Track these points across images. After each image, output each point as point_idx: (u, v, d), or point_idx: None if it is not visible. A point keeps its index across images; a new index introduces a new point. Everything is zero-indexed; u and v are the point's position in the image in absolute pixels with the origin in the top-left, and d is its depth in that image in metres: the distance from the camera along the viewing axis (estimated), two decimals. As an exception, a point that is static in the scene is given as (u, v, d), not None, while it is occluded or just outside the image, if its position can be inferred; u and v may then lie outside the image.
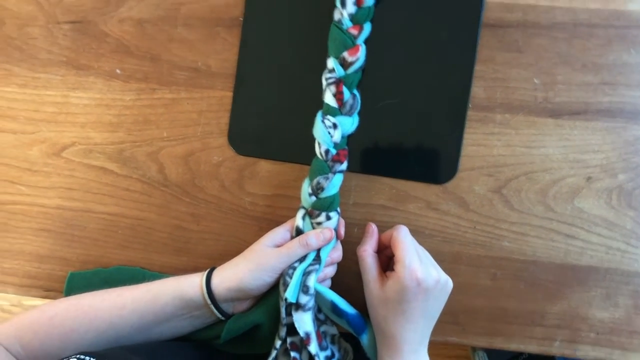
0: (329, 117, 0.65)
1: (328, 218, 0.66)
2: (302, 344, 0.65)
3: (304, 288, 0.63)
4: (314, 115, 0.66)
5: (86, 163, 0.75)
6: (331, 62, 0.66)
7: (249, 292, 0.64)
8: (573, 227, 0.69)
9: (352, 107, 0.66)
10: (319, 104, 0.67)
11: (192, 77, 0.73)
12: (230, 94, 0.73)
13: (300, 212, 0.67)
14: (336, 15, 0.66)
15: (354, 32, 0.66)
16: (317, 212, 0.66)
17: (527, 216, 0.70)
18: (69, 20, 0.74)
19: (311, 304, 0.63)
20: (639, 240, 0.69)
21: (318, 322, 0.67)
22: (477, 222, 0.70)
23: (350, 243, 0.70)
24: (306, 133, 0.67)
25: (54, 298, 0.75)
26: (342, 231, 0.68)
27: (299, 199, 0.67)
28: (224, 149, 0.73)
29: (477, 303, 0.71)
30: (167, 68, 0.73)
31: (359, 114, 0.68)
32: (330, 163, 0.65)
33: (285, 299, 0.62)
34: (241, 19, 0.72)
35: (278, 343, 0.65)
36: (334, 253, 0.67)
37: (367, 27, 0.67)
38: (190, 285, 0.64)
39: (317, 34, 0.69)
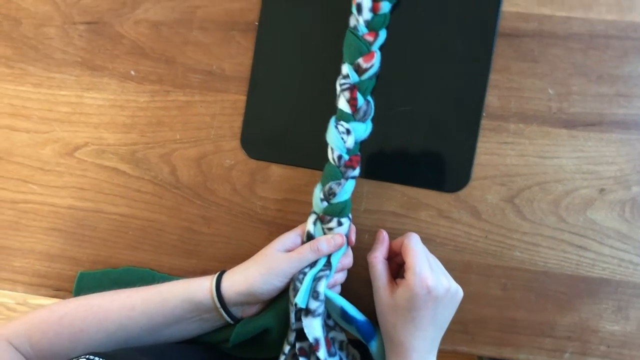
0: (342, 122, 0.65)
1: (339, 224, 0.65)
2: (310, 350, 0.65)
3: (314, 293, 0.63)
4: (327, 121, 0.66)
5: (98, 163, 0.75)
6: (346, 68, 0.66)
7: (258, 296, 0.64)
8: (585, 238, 0.69)
9: (365, 113, 0.66)
10: (333, 109, 0.67)
11: (207, 80, 0.73)
12: (243, 98, 0.73)
13: (312, 217, 0.67)
14: (352, 22, 0.66)
15: (370, 38, 0.66)
16: (328, 218, 0.65)
17: (539, 226, 0.69)
18: (85, 21, 0.75)
19: (321, 309, 0.63)
20: (652, 253, 0.68)
21: (327, 328, 0.67)
22: (489, 232, 0.70)
23: (360, 249, 0.69)
24: (319, 138, 0.67)
25: (63, 297, 0.75)
26: (353, 237, 0.68)
27: (310, 204, 0.67)
28: (236, 152, 0.73)
29: (487, 313, 0.70)
30: (181, 71, 0.73)
31: (373, 120, 0.68)
32: (342, 169, 0.65)
33: (295, 304, 0.62)
34: (256, 23, 0.72)
35: (287, 348, 0.65)
36: (345, 259, 0.67)
37: (383, 34, 0.67)
38: (200, 288, 0.64)
39: (332, 40, 0.69)
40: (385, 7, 0.65)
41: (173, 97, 0.74)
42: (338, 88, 0.67)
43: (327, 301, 0.65)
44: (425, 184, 0.71)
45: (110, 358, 0.53)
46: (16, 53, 0.75)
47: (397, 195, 0.71)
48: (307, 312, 0.63)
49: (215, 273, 0.65)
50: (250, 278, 0.63)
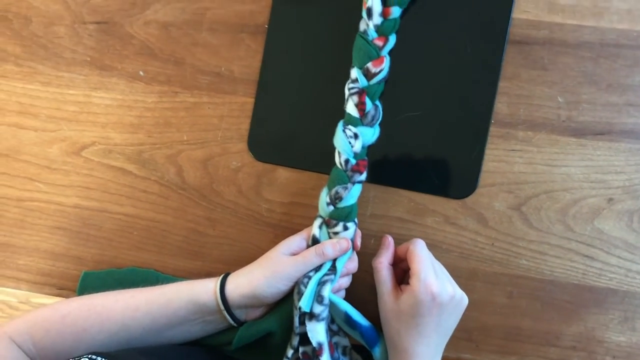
0: (350, 127, 0.65)
1: (345, 228, 0.65)
2: (314, 354, 0.64)
3: (318, 298, 0.62)
4: (335, 125, 0.66)
5: (105, 163, 0.75)
6: (355, 72, 0.66)
7: (263, 299, 0.64)
8: (592, 248, 0.68)
9: (373, 118, 0.66)
10: (341, 113, 0.66)
11: (215, 82, 0.73)
12: (251, 100, 0.73)
13: (318, 221, 0.66)
14: (362, 26, 0.66)
15: (379, 43, 0.65)
16: (334, 222, 0.65)
17: (546, 235, 0.69)
18: (95, 21, 0.75)
19: (325, 314, 0.63)
20: (659, 264, 0.68)
21: (331, 332, 0.67)
22: (495, 239, 0.70)
23: (366, 254, 0.69)
24: (326, 142, 0.67)
25: (67, 297, 0.75)
26: (358, 242, 0.67)
27: (316, 207, 0.67)
28: (243, 154, 0.73)
29: (492, 321, 0.70)
30: (190, 72, 0.73)
31: (381, 125, 0.68)
32: (349, 173, 0.65)
33: (299, 308, 0.62)
34: (266, 26, 0.72)
35: (290, 352, 0.65)
36: (350, 264, 0.66)
37: (392, 39, 0.67)
38: (204, 290, 0.64)
39: (341, 44, 0.69)
40: (395, 12, 0.65)
41: (181, 98, 0.74)
42: (346, 92, 0.67)
43: (332, 306, 0.64)
44: (432, 190, 0.70)
45: (112, 358, 0.53)
46: (26, 51, 0.76)
47: (403, 201, 0.71)
48: (311, 316, 0.62)
49: (219, 275, 0.65)
50: (254, 281, 0.63)
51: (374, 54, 0.65)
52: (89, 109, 0.75)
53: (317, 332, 0.62)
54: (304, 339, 0.64)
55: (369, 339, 0.65)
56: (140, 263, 0.75)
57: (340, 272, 0.65)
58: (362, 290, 0.70)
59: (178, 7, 0.73)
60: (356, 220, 0.67)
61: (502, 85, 0.69)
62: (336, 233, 0.65)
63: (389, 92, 0.68)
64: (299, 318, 0.63)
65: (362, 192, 0.67)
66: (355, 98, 0.65)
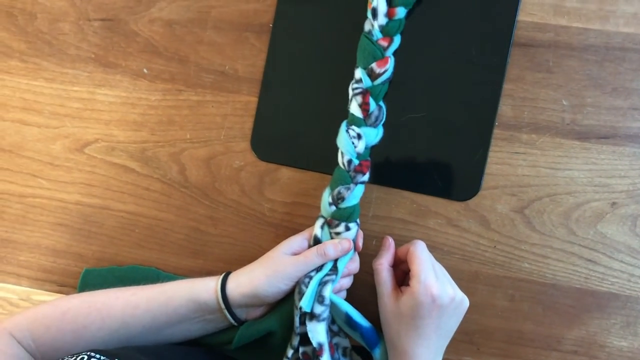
0: (353, 127, 0.65)
1: (347, 229, 0.65)
2: (314, 355, 0.64)
3: (319, 298, 0.62)
4: (339, 125, 0.66)
5: (108, 160, 0.75)
6: (359, 73, 0.66)
7: (263, 298, 0.63)
8: (595, 252, 0.68)
9: (377, 118, 0.66)
10: (344, 113, 0.66)
11: (219, 81, 0.73)
12: (255, 100, 0.72)
13: (319, 221, 0.66)
14: (367, 26, 0.66)
15: (384, 43, 0.65)
16: (336, 222, 0.65)
17: (549, 238, 0.69)
18: (100, 18, 0.75)
19: (326, 314, 0.62)
20: (662, 269, 0.68)
21: (331, 333, 0.66)
22: (498, 242, 0.69)
23: (367, 255, 0.69)
24: (329, 142, 0.66)
25: (68, 294, 0.75)
26: (360, 243, 0.67)
27: (318, 208, 0.67)
28: (246, 153, 0.73)
29: (493, 324, 0.70)
30: (194, 70, 0.73)
31: (384, 125, 0.68)
32: (352, 173, 0.65)
33: (300, 308, 0.61)
34: (271, 25, 0.72)
35: (290, 352, 0.64)
36: (351, 264, 0.66)
37: (397, 40, 0.67)
38: (205, 288, 0.64)
39: (345, 44, 0.69)
40: (400, 12, 0.65)
41: (185, 96, 0.74)
42: (350, 92, 0.66)
43: (332, 306, 0.64)
44: (434, 192, 0.70)
45: (111, 356, 0.52)
46: (30, 47, 0.76)
47: (406, 202, 0.71)
48: (312, 316, 0.62)
49: (220, 274, 0.65)
50: (255, 280, 0.63)
51: (379, 55, 0.65)
52: (92, 106, 0.75)
53: (318, 333, 0.62)
54: (305, 339, 0.64)
55: (370, 340, 0.65)
56: (142, 261, 0.75)
57: (342, 273, 0.65)
58: (363, 291, 0.69)
59: (183, 5, 0.73)
60: (358, 221, 0.66)
61: (507, 87, 0.69)
62: (338, 233, 0.65)
63: (393, 93, 0.68)
64: (300, 318, 0.63)
65: (364, 193, 0.67)
66: (359, 98, 0.65)
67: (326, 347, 0.62)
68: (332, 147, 0.66)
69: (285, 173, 0.72)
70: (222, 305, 0.63)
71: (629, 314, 0.68)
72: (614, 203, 0.68)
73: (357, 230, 0.66)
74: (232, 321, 0.64)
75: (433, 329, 0.61)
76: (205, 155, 0.73)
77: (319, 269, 0.64)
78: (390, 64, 0.66)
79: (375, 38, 0.65)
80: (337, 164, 0.66)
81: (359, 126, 0.65)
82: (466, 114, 0.69)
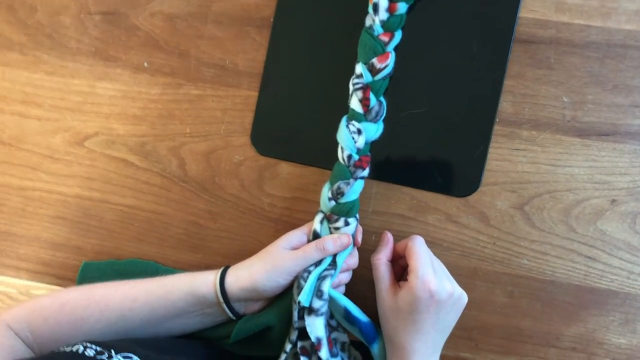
0: (353, 122, 0.65)
1: (346, 224, 0.65)
2: (312, 349, 0.64)
3: (318, 292, 0.62)
4: (339, 120, 0.66)
5: (108, 154, 0.75)
6: (359, 68, 0.66)
7: (262, 293, 0.63)
8: (594, 249, 0.68)
9: (377, 113, 0.66)
10: (345, 108, 0.66)
11: (219, 75, 0.73)
12: (255, 94, 0.72)
13: (319, 216, 0.66)
14: (368, 21, 0.66)
15: (385, 39, 0.65)
16: (335, 217, 0.65)
17: (549, 235, 0.68)
18: (101, 11, 0.75)
19: (324, 309, 0.62)
20: (661, 267, 0.68)
21: (330, 328, 0.66)
22: (497, 238, 0.69)
23: (366, 251, 0.69)
24: (330, 137, 0.66)
25: (66, 287, 0.75)
26: (359, 238, 0.67)
27: (318, 203, 0.67)
28: (245, 148, 0.73)
29: (492, 320, 0.70)
30: (194, 64, 0.73)
31: (384, 121, 0.68)
32: (352, 168, 0.65)
33: (299, 303, 0.61)
34: (272, 19, 0.72)
35: (288, 347, 0.64)
36: (350, 259, 0.66)
37: (398, 35, 0.67)
38: (204, 282, 0.63)
39: (346, 39, 0.69)
40: (401, 7, 0.65)
41: (185, 90, 0.73)
42: (351, 87, 0.66)
43: (331, 301, 0.64)
44: (434, 188, 0.70)
45: (107, 346, 0.52)
46: (31, 40, 0.76)
47: (405, 198, 0.71)
48: (310, 310, 0.62)
49: (219, 268, 0.65)
50: (254, 274, 0.63)
51: (380, 50, 0.65)
52: (92, 99, 0.75)
53: (316, 327, 0.62)
54: (303, 334, 0.64)
55: (368, 335, 0.65)
56: (141, 255, 0.75)
57: (341, 268, 0.65)
58: (362, 286, 0.69)
59: (184, -1, 0.73)
60: (357, 216, 0.66)
61: (508, 83, 0.69)
62: (337, 228, 0.65)
63: (393, 89, 0.68)
64: (298, 312, 0.63)
65: (364, 189, 0.67)
66: (360, 93, 0.65)
67: (324, 342, 0.62)
68: (332, 142, 0.66)
69: (285, 168, 0.72)
70: (221, 299, 0.63)
71: (627, 311, 0.68)
72: (613, 200, 0.68)
73: (357, 226, 0.66)
74: (231, 315, 0.64)
75: (431, 324, 0.60)
76: (205, 149, 0.73)
77: (317, 263, 0.64)
78: (391, 60, 0.66)
79: (376, 33, 0.65)
80: (337, 159, 0.66)
81: (359, 121, 0.65)
82: (466, 110, 0.69)
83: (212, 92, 0.73)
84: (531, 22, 0.68)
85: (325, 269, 0.64)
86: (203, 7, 0.73)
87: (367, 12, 0.66)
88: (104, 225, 0.75)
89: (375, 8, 0.65)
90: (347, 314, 0.64)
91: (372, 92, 0.65)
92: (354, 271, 0.68)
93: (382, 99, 0.67)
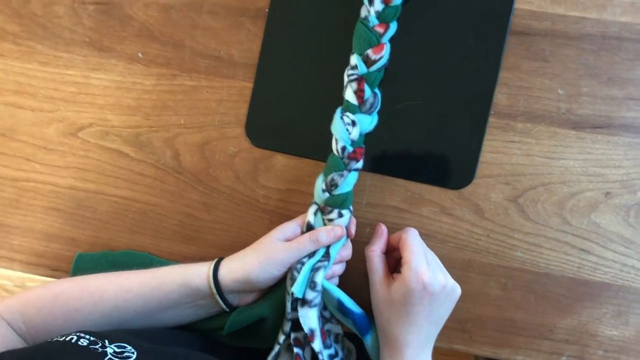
0: (348, 114, 0.65)
1: (340, 215, 0.65)
2: (305, 341, 0.64)
3: (311, 284, 0.62)
4: (334, 112, 0.65)
5: (102, 145, 0.74)
6: (354, 59, 0.65)
7: (255, 284, 0.63)
8: (588, 241, 0.68)
9: (372, 105, 0.66)
10: (339, 100, 0.66)
11: (214, 66, 0.73)
12: (250, 85, 0.72)
13: (312, 208, 0.66)
14: (363, 12, 0.66)
15: (380, 30, 0.65)
16: (329, 209, 0.65)
17: (542, 227, 0.69)
18: (95, 1, 0.74)
19: (317, 300, 0.62)
20: (655, 259, 0.68)
21: (323, 319, 0.66)
22: (491, 231, 0.69)
23: (360, 243, 0.69)
24: (324, 129, 0.66)
25: (60, 278, 0.75)
26: (352, 230, 0.67)
27: (312, 195, 0.67)
28: (240, 139, 0.73)
29: (486, 312, 0.70)
30: (189, 55, 0.73)
31: (379, 113, 0.67)
32: (346, 160, 0.65)
33: (292, 294, 0.61)
34: (267, 10, 0.72)
35: (282, 338, 0.64)
36: (344, 251, 0.66)
37: (393, 26, 0.66)
38: (197, 274, 0.63)
39: (341, 30, 0.68)
40: (397, -2, 0.65)
41: (179, 81, 0.73)
42: (345, 79, 0.66)
43: (325, 292, 0.64)
44: (428, 180, 0.70)
45: (100, 336, 0.52)
46: (24, 30, 0.75)
47: (400, 190, 0.71)
48: (304, 302, 0.62)
49: (213, 260, 0.65)
50: (248, 266, 0.63)
51: (374, 41, 0.65)
52: (87, 90, 0.75)
53: (309, 318, 0.62)
54: (296, 325, 0.64)
55: (361, 327, 0.65)
56: (135, 246, 0.75)
57: (334, 259, 0.65)
58: (355, 278, 0.69)
59: (179, -11, 0.73)
60: (351, 207, 0.66)
61: (503, 75, 0.68)
62: (331, 220, 0.65)
63: (388, 80, 0.68)
64: (291, 304, 0.63)
65: (358, 181, 0.67)
66: (354, 85, 0.65)
67: (318, 333, 0.62)
68: (327, 134, 0.66)
69: (280, 160, 0.72)
70: (214, 291, 0.63)
71: (620, 304, 0.68)
72: (607, 193, 0.68)
73: (350, 217, 0.66)
74: (224, 307, 0.64)
75: (424, 316, 0.61)
76: (199, 140, 0.73)
77: (311, 255, 0.64)
78: (386, 51, 0.65)
79: (371, 24, 0.65)
80: (332, 150, 0.66)
81: (353, 113, 0.65)
82: (461, 102, 0.69)
83: (207, 83, 0.73)
84: (527, 13, 0.68)
85: (319, 261, 0.64)
86: (198, -3, 0.73)
87: (362, 3, 0.65)
88: (98, 216, 0.75)
89: (371, -1, 0.64)
90: (341, 306, 0.64)
91: (367, 83, 0.65)
92: (348, 263, 0.68)
93: (377, 90, 0.67)
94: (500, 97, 0.69)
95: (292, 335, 0.64)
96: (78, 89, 0.75)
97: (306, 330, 0.61)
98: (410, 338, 0.61)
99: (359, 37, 0.65)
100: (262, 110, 0.72)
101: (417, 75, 0.69)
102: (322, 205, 0.66)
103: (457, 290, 0.63)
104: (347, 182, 0.65)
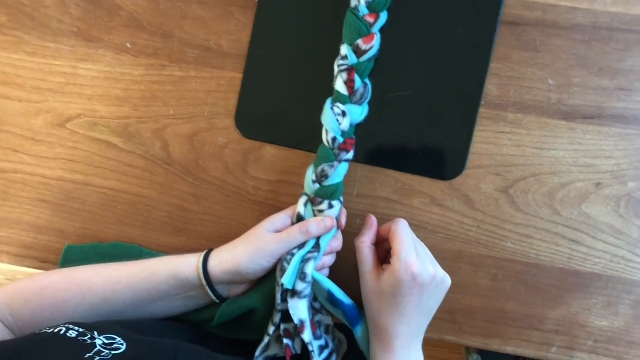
0: (338, 104, 0.64)
1: (330, 206, 0.65)
2: (295, 332, 0.64)
3: (301, 275, 0.62)
4: (324, 102, 0.65)
5: (90, 136, 0.74)
6: (345, 49, 0.65)
7: (245, 275, 0.63)
8: (578, 232, 0.68)
9: (362, 96, 0.65)
10: (330, 91, 0.66)
11: (203, 56, 0.72)
12: (240, 76, 0.72)
13: (303, 199, 0.66)
14: (353, 2, 0.65)
15: (370, 20, 0.65)
16: (319, 200, 0.65)
17: (533, 218, 0.68)
18: (83, -9, 0.73)
19: (307, 291, 0.62)
20: (645, 250, 0.68)
21: (313, 310, 0.66)
22: (482, 221, 0.69)
23: (351, 234, 0.69)
24: (315, 120, 0.66)
25: (49, 270, 0.74)
26: (343, 221, 0.67)
27: (303, 186, 0.66)
28: (230, 130, 0.72)
29: (476, 303, 0.70)
30: (178, 45, 0.72)
31: (369, 103, 0.67)
32: (336, 151, 0.64)
33: (282, 285, 0.61)
34: (256, 0, 0.71)
35: (271, 329, 0.64)
36: (334, 242, 0.66)
37: (384, 16, 0.66)
38: (187, 265, 0.63)
39: (332, 20, 0.68)
40: (387, -12, 0.64)
41: (168, 71, 0.72)
42: (336, 69, 0.66)
43: (315, 283, 0.64)
44: (419, 171, 0.70)
45: (90, 328, 0.52)
46: (11, 20, 0.74)
47: (390, 181, 0.70)
48: (294, 293, 0.62)
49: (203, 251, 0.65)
50: (238, 257, 0.63)
51: (365, 31, 0.64)
52: (75, 80, 0.74)
53: (299, 310, 0.61)
54: (286, 316, 0.63)
55: (351, 318, 0.65)
56: (124, 238, 0.74)
57: (324, 251, 0.64)
58: (346, 269, 0.69)
59: (167, -21, 0.72)
60: (342, 199, 0.66)
61: (493, 66, 0.68)
62: (321, 211, 0.65)
63: (378, 71, 0.68)
64: (281, 295, 0.63)
65: (349, 172, 0.67)
66: (345, 75, 0.65)
67: (307, 324, 0.62)
68: (317, 125, 0.65)
69: (270, 151, 0.72)
70: (204, 282, 0.62)
71: (610, 294, 0.68)
72: (598, 184, 0.68)
73: (341, 208, 0.66)
74: (214, 298, 0.64)
75: (414, 307, 0.60)
76: (188, 131, 0.72)
77: (301, 246, 0.64)
78: (376, 41, 0.65)
79: (361, 14, 0.64)
80: (322, 141, 0.65)
81: (344, 103, 0.65)
82: (452, 92, 0.68)
83: (196, 73, 0.72)
84: (518, 3, 0.68)
85: (309, 252, 0.63)
86: (187, -13, 0.72)
87: (352, -7, 0.65)
88: (87, 208, 0.74)
89: (361, -11, 0.64)
90: (331, 297, 0.64)
91: (357, 74, 0.65)
92: (339, 254, 0.68)
93: (367, 81, 0.66)
94: (491, 87, 0.68)
95: (282, 327, 0.64)
96: (66, 79, 0.74)
97: (296, 321, 0.61)
98: (400, 329, 0.61)
99: (349, 27, 0.65)
100: (252, 101, 0.71)
101: (407, 65, 0.69)
102: (312, 196, 0.65)
103: (447, 281, 0.63)
104: (338, 173, 0.65)
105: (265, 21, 0.71)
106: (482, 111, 0.68)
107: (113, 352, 0.50)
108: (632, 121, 0.67)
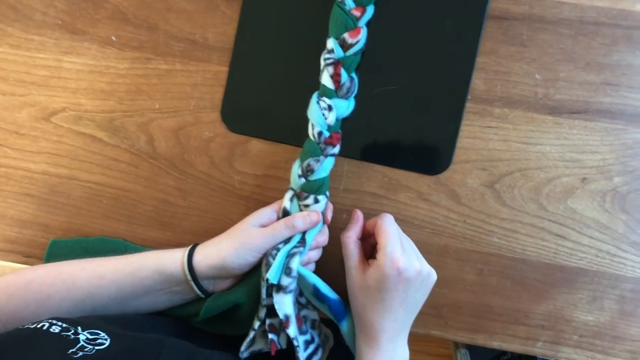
0: (324, 98, 0.64)
1: (316, 201, 0.64)
2: (281, 327, 0.64)
3: (286, 270, 0.62)
4: (310, 96, 0.65)
5: (75, 130, 0.73)
6: (331, 43, 0.65)
7: (231, 270, 0.63)
8: (564, 227, 0.68)
9: (349, 90, 0.65)
10: (316, 85, 0.65)
11: (189, 49, 0.71)
12: (226, 69, 0.71)
13: (289, 194, 0.66)
14: (339, -5, 0.65)
15: (357, 13, 0.64)
16: (305, 195, 0.64)
17: (519, 213, 0.68)
18: (67, -17, 0.73)
19: (293, 286, 0.62)
20: (630, 245, 0.68)
21: (299, 305, 0.66)
22: (468, 216, 0.69)
23: (337, 229, 0.68)
24: (301, 114, 0.66)
25: (33, 265, 0.74)
26: (329, 215, 0.67)
27: (289, 180, 0.66)
28: (216, 124, 0.72)
29: (462, 298, 0.70)
30: (163, 38, 0.72)
31: (356, 98, 0.67)
32: (322, 145, 0.64)
33: (267, 280, 0.61)
34: (242, -7, 0.71)
35: (257, 324, 0.64)
36: (320, 237, 0.66)
37: (370, 10, 0.66)
38: (172, 260, 0.63)
39: (318, 14, 0.67)
40: (373, -19, 0.64)
41: (154, 65, 0.72)
42: (322, 63, 0.65)
43: (300, 278, 0.64)
44: (405, 166, 0.70)
45: (74, 323, 0.52)
46: (-6, 12, 0.73)
47: (377, 176, 0.70)
48: (279, 288, 0.62)
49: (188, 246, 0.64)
50: (223, 252, 0.62)
51: (351, 24, 0.64)
52: (59, 73, 0.73)
53: (284, 305, 0.61)
54: (271, 311, 0.63)
55: (337, 313, 0.65)
56: (109, 232, 0.74)
57: (310, 245, 0.64)
58: (332, 264, 0.69)
59: (153, -29, 0.72)
60: (327, 193, 0.66)
61: (480, 60, 0.68)
62: (307, 206, 0.65)
63: (365, 65, 0.67)
64: (267, 290, 0.63)
65: (335, 166, 0.67)
66: (331, 69, 0.64)
67: (293, 319, 0.61)
68: (303, 119, 0.65)
69: (256, 145, 0.71)
70: (189, 277, 0.62)
71: (595, 289, 0.68)
72: (584, 179, 0.68)
73: (327, 203, 0.66)
74: (199, 293, 0.64)
75: (399, 302, 0.60)
76: (174, 125, 0.72)
77: (287, 241, 0.64)
78: (362, 35, 0.65)
79: (348, 7, 0.64)
80: (308, 136, 0.65)
81: (330, 97, 0.64)
82: (439, 87, 0.68)
83: (182, 67, 0.72)
84: (505, -3, 0.67)
85: (295, 247, 0.63)
86: (172, -21, 0.71)
87: (338, -14, 0.64)
88: (72, 202, 0.74)
89: (347, -18, 0.64)
90: (316, 292, 0.64)
91: (344, 67, 0.64)
92: (325, 249, 0.68)
93: (353, 75, 0.66)
94: (478, 82, 0.68)
95: (268, 321, 0.64)
96: (50, 72, 0.73)
97: (281, 316, 0.61)
98: (385, 324, 0.61)
99: (335, 21, 0.64)
100: (238, 94, 0.71)
101: (394, 59, 0.69)
102: (298, 190, 0.65)
103: (433, 275, 0.62)
104: (324, 167, 0.64)
105: (251, 14, 0.70)
106: (469, 106, 0.68)
107: (97, 347, 0.50)
108: (618, 116, 0.67)
